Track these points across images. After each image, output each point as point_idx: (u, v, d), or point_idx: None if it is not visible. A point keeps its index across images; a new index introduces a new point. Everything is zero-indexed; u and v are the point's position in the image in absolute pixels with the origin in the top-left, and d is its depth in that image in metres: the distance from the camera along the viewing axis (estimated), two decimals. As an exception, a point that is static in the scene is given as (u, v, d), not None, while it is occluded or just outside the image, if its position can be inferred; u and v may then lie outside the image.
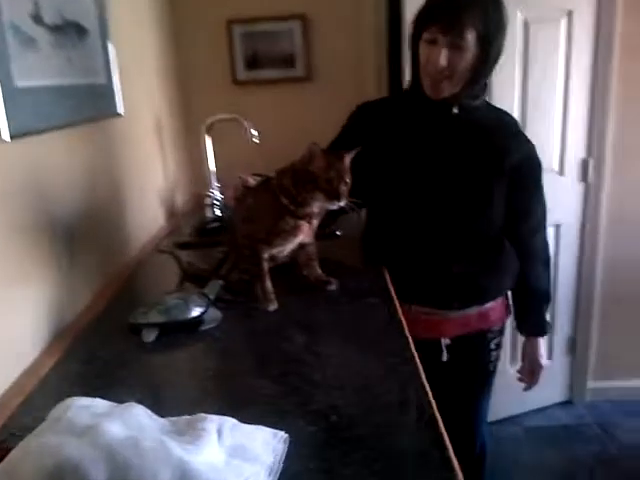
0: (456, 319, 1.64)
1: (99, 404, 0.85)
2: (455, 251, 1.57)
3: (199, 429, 0.79)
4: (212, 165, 2.27)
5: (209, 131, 2.24)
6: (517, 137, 1.59)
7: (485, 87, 1.57)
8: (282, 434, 0.84)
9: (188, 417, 0.84)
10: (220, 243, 1.83)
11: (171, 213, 2.30)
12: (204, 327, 1.26)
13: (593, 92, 2.61)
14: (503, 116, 1.64)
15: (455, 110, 1.52)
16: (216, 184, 2.28)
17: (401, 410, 0.92)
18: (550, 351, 2.81)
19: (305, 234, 1.37)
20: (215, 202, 2.22)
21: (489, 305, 1.66)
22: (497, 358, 1.78)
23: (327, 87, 2.67)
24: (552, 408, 2.96)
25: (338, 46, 2.64)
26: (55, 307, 1.28)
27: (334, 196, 1.26)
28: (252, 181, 1.49)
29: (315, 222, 1.36)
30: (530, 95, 2.50)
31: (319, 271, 1.45)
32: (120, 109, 1.74)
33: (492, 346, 1.74)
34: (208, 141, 2.26)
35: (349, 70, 2.66)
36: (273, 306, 1.33)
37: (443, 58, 1.39)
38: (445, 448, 0.81)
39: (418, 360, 1.08)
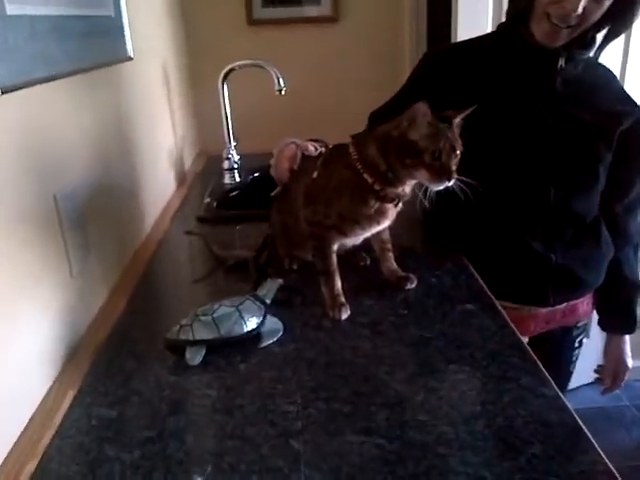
0: (542, 315, 1.38)
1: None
2: (555, 237, 1.29)
3: None
4: (229, 121, 1.93)
5: (226, 80, 1.89)
6: (627, 99, 1.32)
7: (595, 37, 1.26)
8: None
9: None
10: (244, 218, 1.54)
11: (181, 177, 1.97)
12: (263, 343, 0.97)
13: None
14: (607, 72, 1.35)
15: (561, 63, 1.22)
16: (234, 143, 1.94)
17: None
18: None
19: (390, 220, 1.06)
20: (235, 166, 1.89)
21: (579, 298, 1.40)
22: (578, 358, 1.53)
23: (357, 29, 2.31)
24: (582, 389, 2.75)
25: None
26: (68, 318, 0.97)
27: (443, 174, 0.95)
28: (312, 148, 1.17)
29: (401, 205, 1.06)
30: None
31: (394, 264, 1.16)
32: (130, 51, 1.38)
33: (576, 344, 1.51)
34: (225, 92, 1.91)
35: (383, 9, 2.30)
36: (345, 314, 1.04)
37: (581, 4, 1.09)
38: None
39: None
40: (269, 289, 1.04)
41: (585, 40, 1.22)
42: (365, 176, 0.99)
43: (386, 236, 1.14)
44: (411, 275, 1.14)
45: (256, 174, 1.99)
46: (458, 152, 0.96)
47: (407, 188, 1.03)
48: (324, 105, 2.34)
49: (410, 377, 0.87)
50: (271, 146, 1.27)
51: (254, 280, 1.17)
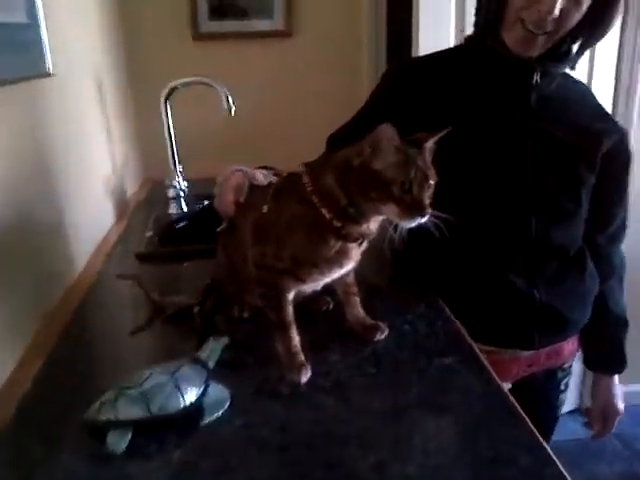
0: (524, 358, 1.24)
1: None
2: (537, 272, 1.16)
3: None
4: (174, 144, 1.75)
5: (168, 99, 1.72)
6: (605, 116, 1.22)
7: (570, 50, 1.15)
8: None
9: None
10: (192, 254, 1.37)
11: (122, 207, 1.78)
12: (204, 420, 0.79)
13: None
14: (581, 87, 1.25)
15: (537, 78, 1.10)
16: (180, 169, 1.77)
17: None
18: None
19: (354, 261, 0.91)
20: (181, 194, 1.71)
21: (564, 337, 1.27)
22: (563, 402, 1.40)
23: (312, 45, 2.17)
24: (562, 418, 2.63)
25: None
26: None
27: (415, 209, 0.79)
28: (262, 177, 1.01)
29: (366, 243, 0.90)
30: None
31: (362, 312, 1.00)
32: (49, 65, 1.20)
33: (562, 387, 1.37)
34: (168, 113, 1.73)
35: (340, 23, 2.16)
36: (304, 376, 0.87)
37: (557, 6, 0.98)
38: None
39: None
40: (212, 350, 0.86)
41: (560, 52, 1.10)
42: (323, 211, 0.83)
43: (350, 279, 0.98)
44: (380, 323, 0.99)
45: (205, 202, 1.81)
46: (431, 182, 0.81)
47: (373, 225, 0.87)
48: (278, 127, 2.19)
49: (383, 463, 0.70)
50: (221, 171, 1.11)
51: (198, 332, 0.99)
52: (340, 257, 0.87)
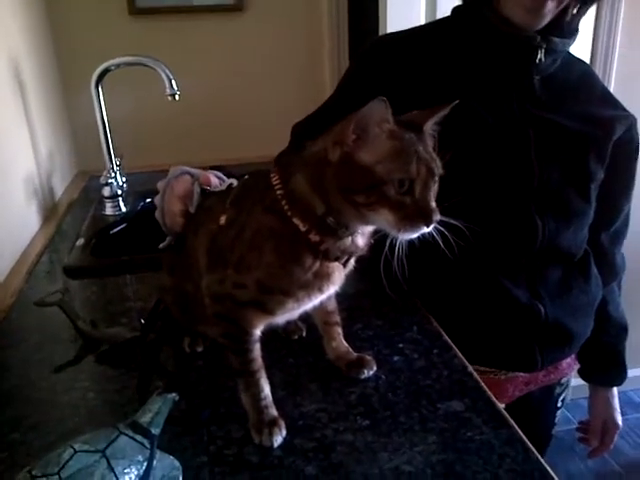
0: (521, 377, 1.09)
1: None
2: (541, 282, 1.00)
3: None
4: (108, 134, 1.52)
5: (100, 82, 1.48)
6: (615, 102, 1.07)
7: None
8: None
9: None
10: (132, 266, 1.17)
11: (49, 210, 1.53)
12: (148, 511, 0.60)
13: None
14: (586, 68, 1.10)
15: (540, 55, 0.93)
16: (117, 162, 1.53)
17: None
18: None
19: (337, 285, 0.71)
20: (118, 192, 1.48)
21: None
22: (558, 419, 1.26)
23: (267, 21, 1.95)
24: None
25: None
26: None
27: (418, 215, 0.60)
28: (216, 181, 0.80)
29: (353, 262, 0.71)
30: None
31: (344, 344, 0.81)
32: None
33: (559, 403, 1.24)
34: (100, 98, 1.49)
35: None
36: (278, 437, 0.68)
37: None
38: None
39: None
40: (157, 411, 0.66)
41: (563, 23, 0.94)
42: (295, 222, 0.64)
43: (332, 306, 0.79)
44: (366, 357, 0.81)
45: (148, 200, 1.59)
46: (437, 178, 0.62)
47: (360, 239, 0.68)
48: (230, 114, 1.96)
49: None
50: (164, 162, 0.90)
51: (139, 377, 0.79)
52: (319, 281, 0.68)
